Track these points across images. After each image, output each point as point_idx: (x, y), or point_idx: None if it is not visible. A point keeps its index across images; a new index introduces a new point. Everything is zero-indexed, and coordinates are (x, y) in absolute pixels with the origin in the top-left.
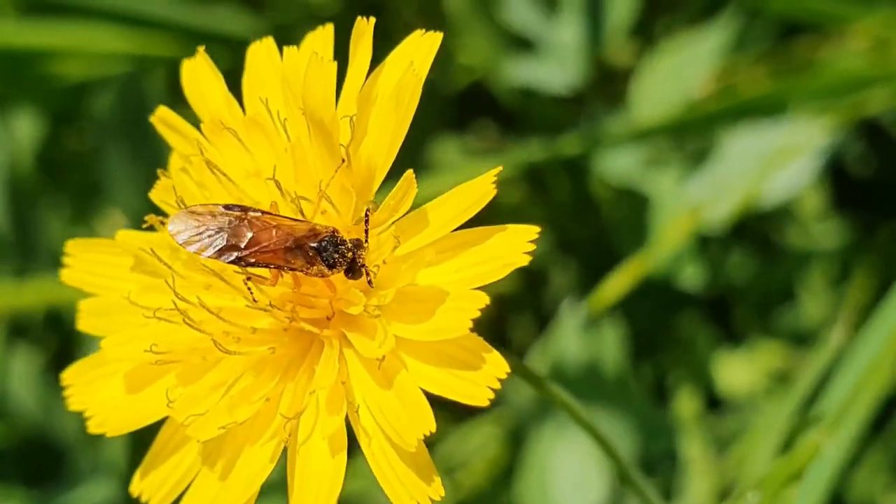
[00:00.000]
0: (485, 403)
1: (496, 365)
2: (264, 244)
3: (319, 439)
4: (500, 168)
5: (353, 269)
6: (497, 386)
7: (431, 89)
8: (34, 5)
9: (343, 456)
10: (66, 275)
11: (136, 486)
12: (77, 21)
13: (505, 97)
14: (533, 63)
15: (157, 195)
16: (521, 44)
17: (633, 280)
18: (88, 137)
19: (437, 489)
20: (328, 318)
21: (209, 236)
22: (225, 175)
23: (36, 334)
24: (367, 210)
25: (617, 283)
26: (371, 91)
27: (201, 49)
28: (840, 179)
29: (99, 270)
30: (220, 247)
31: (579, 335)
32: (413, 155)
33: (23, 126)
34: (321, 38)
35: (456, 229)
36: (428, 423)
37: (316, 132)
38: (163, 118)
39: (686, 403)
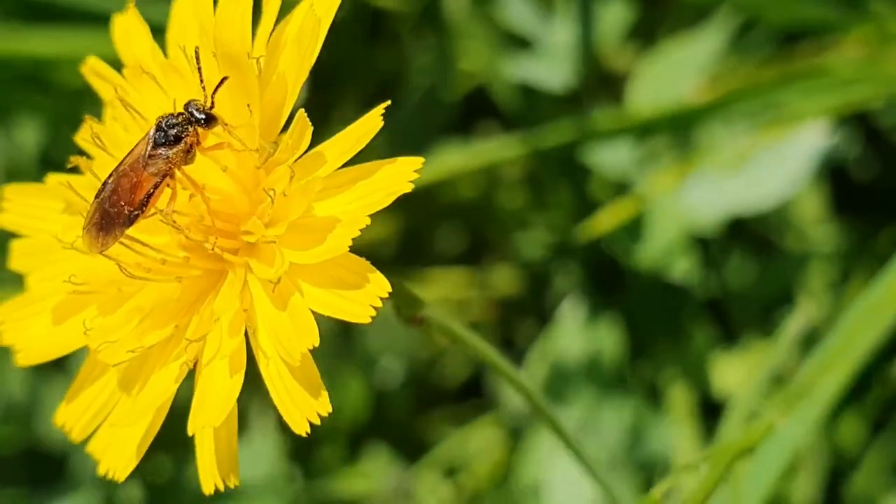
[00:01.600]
0: (366, 321)
1: (378, 284)
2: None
3: (220, 360)
4: (389, 102)
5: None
6: (378, 304)
7: (434, 95)
8: (35, 12)
9: (241, 375)
10: (3, 219)
11: (59, 416)
12: (80, 29)
13: (505, 101)
14: (530, 61)
15: (80, 136)
16: (519, 43)
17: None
18: None
19: (325, 405)
20: (235, 251)
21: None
22: (140, 114)
23: None
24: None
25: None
26: (279, 38)
27: (131, 3)
28: (840, 183)
29: (33, 213)
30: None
31: (578, 333)
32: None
33: (26, 133)
34: None
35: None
36: (312, 337)
37: (227, 66)
38: (93, 68)
39: (679, 401)
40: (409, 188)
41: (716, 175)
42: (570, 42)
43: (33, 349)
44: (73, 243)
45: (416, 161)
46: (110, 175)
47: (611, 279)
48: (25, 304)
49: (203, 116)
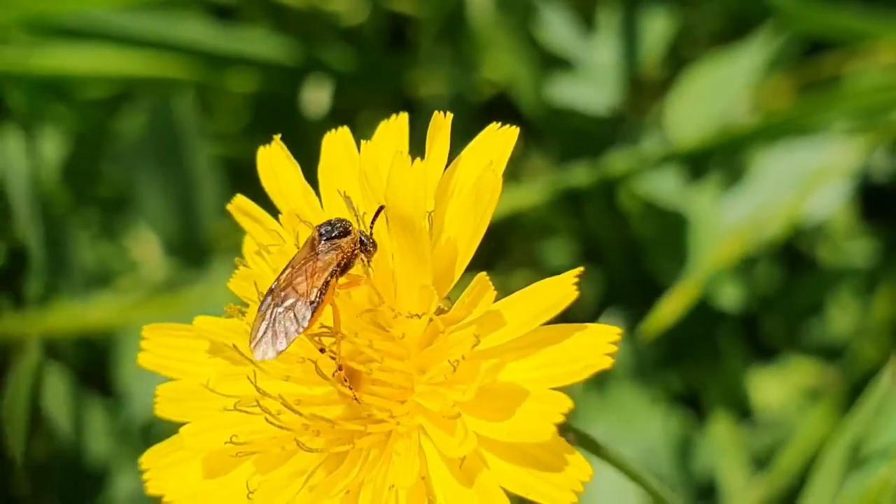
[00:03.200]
0: None
1: (579, 468)
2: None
3: None
4: (582, 269)
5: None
6: (581, 490)
7: (457, 102)
8: (57, 30)
9: None
10: (142, 358)
11: None
12: (101, 45)
13: (530, 110)
14: (569, 83)
15: (235, 284)
16: (554, 63)
17: (683, 306)
18: (117, 157)
19: None
20: (405, 412)
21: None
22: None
23: (65, 350)
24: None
25: (666, 311)
26: (448, 185)
27: (277, 137)
28: (867, 188)
29: (175, 354)
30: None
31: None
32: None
33: (49, 144)
34: (396, 129)
35: None
36: None
37: (399, 228)
38: (239, 206)
39: (724, 428)
40: (607, 363)
41: (757, 194)
42: (613, 61)
43: None
44: (236, 404)
45: (612, 331)
46: (271, 287)
47: (640, 287)
48: (172, 450)
49: (369, 242)
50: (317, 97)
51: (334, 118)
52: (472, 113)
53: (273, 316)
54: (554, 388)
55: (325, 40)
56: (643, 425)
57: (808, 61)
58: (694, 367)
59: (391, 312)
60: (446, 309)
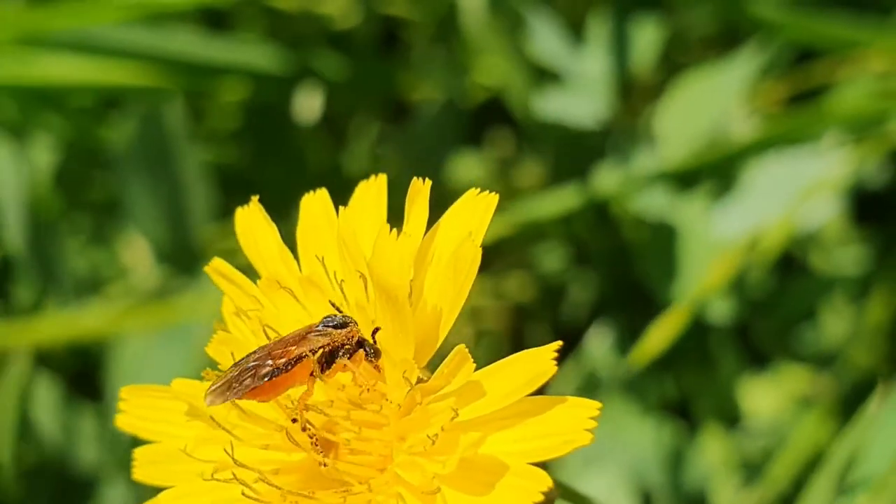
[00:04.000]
0: None
1: None
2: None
3: None
4: (560, 343)
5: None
6: None
7: (449, 106)
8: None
9: None
10: (120, 420)
11: None
12: (90, 55)
13: (522, 117)
14: (558, 95)
15: (213, 349)
16: (545, 72)
17: (677, 328)
18: (108, 164)
19: None
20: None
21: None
22: (273, 329)
23: (55, 357)
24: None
25: (660, 334)
26: (426, 253)
27: (255, 199)
28: (859, 193)
29: (153, 416)
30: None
31: (608, 353)
32: (434, 169)
33: (40, 151)
34: (374, 193)
35: None
36: None
37: (382, 299)
38: (217, 269)
39: (715, 440)
40: (587, 439)
41: (751, 205)
42: (602, 73)
43: None
44: (213, 473)
45: (591, 406)
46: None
47: (631, 293)
48: None
49: (371, 350)
50: (308, 104)
51: (326, 124)
52: (465, 118)
53: (238, 370)
54: (533, 464)
55: (317, 44)
56: (634, 436)
57: (800, 68)
58: (685, 375)
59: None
60: (425, 379)
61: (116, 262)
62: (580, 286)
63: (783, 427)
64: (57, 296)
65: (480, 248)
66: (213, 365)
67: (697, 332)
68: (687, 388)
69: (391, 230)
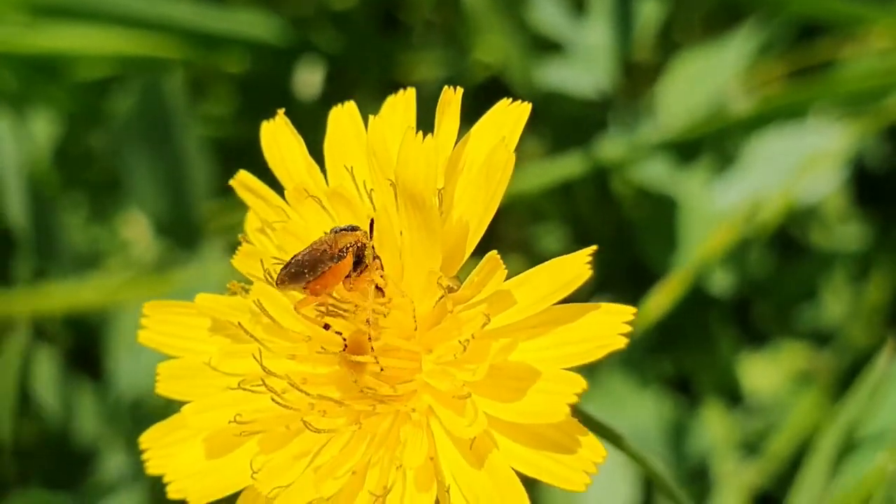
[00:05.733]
0: (582, 489)
1: (592, 449)
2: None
3: None
4: (595, 248)
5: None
6: (594, 471)
7: (451, 82)
8: (48, 10)
9: None
10: (143, 336)
11: None
12: (92, 24)
13: (523, 94)
14: (561, 67)
15: (239, 261)
16: (547, 45)
17: (674, 297)
18: (107, 137)
19: None
20: (412, 391)
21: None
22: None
23: (54, 330)
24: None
25: (657, 302)
26: (457, 161)
27: (281, 112)
28: (860, 174)
29: (176, 332)
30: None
31: None
32: None
33: (40, 125)
34: (403, 105)
35: None
36: None
37: (409, 206)
38: (242, 181)
39: (715, 416)
40: (621, 343)
41: (751, 178)
42: (604, 44)
43: (193, 487)
44: (240, 383)
45: (627, 310)
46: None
47: (632, 272)
48: (172, 429)
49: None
50: (309, 79)
51: (326, 101)
52: (465, 96)
53: (296, 264)
54: (566, 369)
55: (317, 22)
56: (634, 410)
57: (801, 46)
58: (685, 351)
59: (398, 291)
60: (456, 288)
61: (116, 238)
62: None
63: (782, 404)
64: (56, 270)
65: (514, 154)
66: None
67: (698, 309)
68: (687, 365)
69: (421, 135)
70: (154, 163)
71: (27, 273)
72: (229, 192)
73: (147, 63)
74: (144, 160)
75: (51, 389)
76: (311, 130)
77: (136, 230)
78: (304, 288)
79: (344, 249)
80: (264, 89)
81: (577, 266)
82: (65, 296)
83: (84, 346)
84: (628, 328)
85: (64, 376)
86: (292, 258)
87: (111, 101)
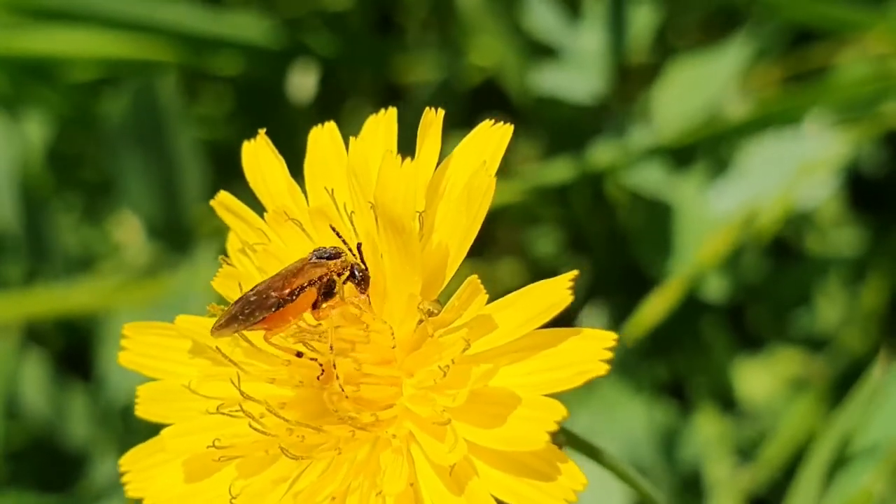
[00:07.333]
0: None
1: (573, 477)
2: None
3: None
4: (576, 273)
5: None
6: (574, 499)
7: (444, 88)
8: (41, 12)
9: None
10: (123, 357)
11: None
12: (85, 27)
13: (518, 98)
14: (555, 71)
15: (219, 283)
16: (541, 50)
17: (668, 304)
18: (100, 139)
19: None
20: (392, 417)
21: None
22: (281, 262)
23: (45, 333)
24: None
25: (652, 309)
26: (439, 185)
27: (262, 132)
28: (855, 180)
29: (156, 353)
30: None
31: None
32: None
33: (33, 127)
34: (384, 125)
35: None
36: None
37: (388, 229)
38: (223, 202)
39: (709, 421)
40: (603, 370)
41: (746, 184)
42: (599, 49)
43: None
44: (218, 407)
45: (608, 336)
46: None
47: (626, 277)
48: (152, 451)
49: (360, 276)
50: (303, 82)
51: (321, 104)
52: (460, 99)
53: (241, 304)
54: (547, 395)
55: (311, 25)
56: (627, 416)
57: (797, 51)
58: (679, 357)
59: (377, 317)
60: (436, 312)
61: (108, 241)
62: (573, 270)
63: (777, 410)
64: (48, 272)
65: (494, 179)
66: (218, 297)
67: (692, 314)
68: (682, 370)
69: (400, 158)
70: (147, 165)
71: (19, 275)
72: None
73: (140, 65)
74: (137, 162)
75: (42, 392)
76: (304, 134)
77: (129, 233)
78: (250, 329)
79: (296, 291)
80: (258, 92)
81: (559, 291)
82: (56, 298)
83: (76, 349)
84: (609, 354)
85: (55, 379)
86: (233, 302)
87: (104, 104)
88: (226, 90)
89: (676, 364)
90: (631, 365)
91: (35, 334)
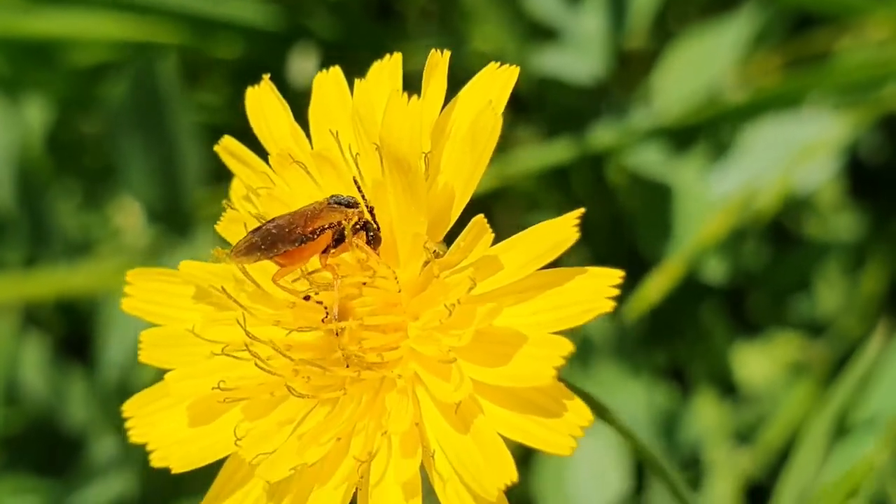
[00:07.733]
0: (568, 453)
1: (578, 413)
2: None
3: (393, 483)
4: (583, 210)
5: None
6: (580, 435)
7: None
8: None
9: (418, 501)
10: (126, 304)
11: None
12: (86, 9)
13: (519, 83)
14: (555, 53)
15: (223, 227)
16: (541, 33)
17: (668, 285)
18: (101, 123)
19: None
20: (398, 358)
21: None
22: (287, 206)
23: (45, 318)
24: (435, 251)
25: (651, 289)
26: (444, 126)
27: (266, 77)
28: (854, 167)
29: (160, 300)
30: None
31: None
32: None
33: (33, 111)
34: (390, 69)
35: None
36: (509, 471)
37: (393, 169)
38: (227, 147)
39: (708, 405)
40: (609, 307)
41: (746, 167)
42: (599, 31)
43: (175, 455)
44: (224, 350)
45: (614, 274)
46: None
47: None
48: (156, 397)
49: (372, 234)
50: (303, 67)
51: None
52: (461, 85)
53: (260, 236)
54: (553, 333)
55: (312, 8)
56: (626, 400)
57: (797, 37)
58: (679, 341)
59: (384, 261)
60: (442, 253)
61: (108, 224)
62: (573, 255)
63: (775, 394)
64: (48, 256)
65: (501, 118)
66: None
67: (691, 298)
68: (681, 355)
69: (406, 97)
70: (147, 149)
71: (19, 260)
72: (222, 179)
73: (140, 48)
74: (137, 146)
75: (41, 375)
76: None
77: (129, 216)
78: (271, 259)
79: (318, 230)
80: (258, 76)
81: (565, 229)
82: (56, 282)
83: (75, 332)
84: (616, 291)
85: (54, 362)
86: (254, 229)
87: (104, 87)
88: (226, 74)
89: (676, 349)
90: (631, 348)
91: (34, 318)
